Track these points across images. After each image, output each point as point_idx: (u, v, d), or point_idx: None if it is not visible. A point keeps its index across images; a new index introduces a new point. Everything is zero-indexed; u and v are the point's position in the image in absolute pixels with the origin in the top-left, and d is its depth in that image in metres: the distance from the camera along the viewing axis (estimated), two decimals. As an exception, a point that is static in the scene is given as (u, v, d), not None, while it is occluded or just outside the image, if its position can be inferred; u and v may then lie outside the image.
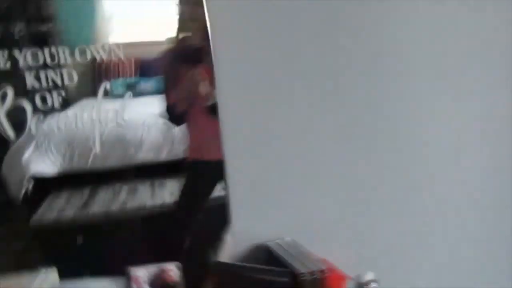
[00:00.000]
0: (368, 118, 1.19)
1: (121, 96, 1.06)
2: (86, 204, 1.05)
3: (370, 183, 1.22)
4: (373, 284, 0.97)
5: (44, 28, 0.99)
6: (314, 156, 1.16)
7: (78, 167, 1.05)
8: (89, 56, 1.00)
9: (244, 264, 1.03)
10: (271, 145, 1.14)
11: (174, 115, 1.06)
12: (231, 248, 1.08)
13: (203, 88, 1.04)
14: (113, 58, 1.03)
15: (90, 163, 1.04)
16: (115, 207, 1.05)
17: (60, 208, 1.04)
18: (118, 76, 1.06)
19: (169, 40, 1.05)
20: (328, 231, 1.18)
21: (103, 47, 1.01)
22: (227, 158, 1.08)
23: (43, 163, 1.01)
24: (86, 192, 1.06)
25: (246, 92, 1.09)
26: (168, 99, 1.06)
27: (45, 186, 1.03)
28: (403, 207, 1.25)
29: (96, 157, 1.04)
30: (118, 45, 1.03)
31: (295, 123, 1.14)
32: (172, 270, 1.00)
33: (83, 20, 1.02)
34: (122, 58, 1.02)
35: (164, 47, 1.06)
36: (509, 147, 1.33)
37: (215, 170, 1.09)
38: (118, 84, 1.06)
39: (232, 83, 1.05)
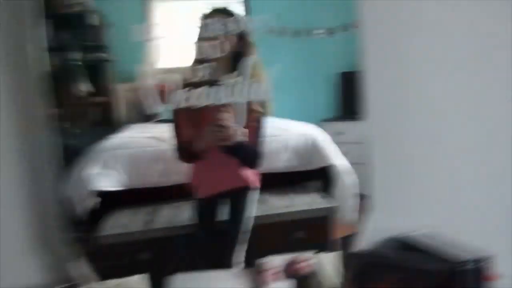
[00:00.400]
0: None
1: (169, 120, 1.05)
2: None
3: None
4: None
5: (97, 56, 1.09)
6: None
7: (142, 183, 1.08)
8: (139, 82, 1.00)
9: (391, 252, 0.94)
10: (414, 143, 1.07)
11: (187, 154, 1.02)
12: (369, 239, 0.98)
13: (232, 130, 0.95)
14: (161, 83, 0.98)
15: (153, 179, 1.08)
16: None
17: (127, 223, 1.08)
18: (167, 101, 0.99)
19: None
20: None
21: (152, 73, 1.02)
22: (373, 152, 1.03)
23: (108, 179, 1.04)
24: (149, 208, 1.10)
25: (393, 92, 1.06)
26: (181, 136, 1.02)
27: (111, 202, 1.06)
28: None
29: (160, 174, 1.08)
30: (165, 71, 1.05)
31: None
32: (307, 260, 0.92)
33: (134, 48, 1.01)
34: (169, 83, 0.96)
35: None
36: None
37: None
38: (166, 109, 1.04)
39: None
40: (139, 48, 1.01)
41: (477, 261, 0.83)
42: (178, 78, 0.94)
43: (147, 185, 1.08)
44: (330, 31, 1.14)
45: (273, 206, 1.13)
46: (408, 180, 1.06)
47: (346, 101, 1.19)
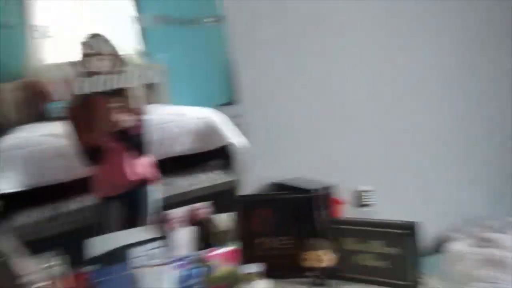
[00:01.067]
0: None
1: (59, 118, 1.09)
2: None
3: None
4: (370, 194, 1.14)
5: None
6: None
7: (44, 181, 1.09)
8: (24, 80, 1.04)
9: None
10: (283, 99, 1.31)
11: (90, 155, 1.10)
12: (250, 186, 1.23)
13: (115, 116, 1.09)
14: (48, 80, 1.06)
15: (55, 176, 1.10)
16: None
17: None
18: (55, 98, 1.08)
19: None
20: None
21: (39, 69, 1.06)
22: (245, 111, 1.23)
23: (6, 181, 1.05)
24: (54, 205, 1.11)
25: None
26: (81, 142, 1.09)
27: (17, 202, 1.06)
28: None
29: (61, 169, 1.10)
30: (52, 67, 1.07)
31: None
32: (202, 208, 1.15)
33: (17, 46, 1.04)
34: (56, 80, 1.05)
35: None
36: None
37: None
38: (55, 107, 1.10)
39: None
40: (22, 45, 1.05)
41: (325, 189, 1.12)
42: (69, 72, 1.04)
43: (49, 183, 1.10)
44: (219, 19, 1.19)
45: (178, 187, 1.21)
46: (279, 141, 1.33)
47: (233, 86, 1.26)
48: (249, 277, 1.03)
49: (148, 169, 1.17)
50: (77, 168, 1.11)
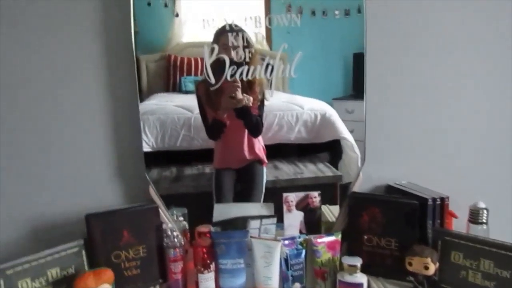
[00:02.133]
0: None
1: (190, 92, 1.22)
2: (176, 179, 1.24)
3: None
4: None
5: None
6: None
7: (167, 147, 1.22)
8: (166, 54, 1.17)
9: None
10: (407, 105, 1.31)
11: (215, 128, 1.21)
12: (362, 184, 1.28)
13: (239, 94, 1.18)
14: (184, 57, 1.19)
15: (178, 144, 1.22)
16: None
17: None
18: (189, 73, 1.21)
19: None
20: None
21: (177, 46, 1.18)
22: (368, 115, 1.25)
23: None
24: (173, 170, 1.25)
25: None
26: (208, 116, 1.20)
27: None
28: None
29: (184, 139, 1.22)
30: (188, 45, 1.19)
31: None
32: (316, 196, 1.24)
33: (161, 21, 1.17)
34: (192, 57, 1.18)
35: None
36: None
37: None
38: (187, 81, 1.23)
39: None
40: (166, 21, 1.17)
41: (441, 199, 1.14)
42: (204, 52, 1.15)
43: (175, 148, 1.22)
44: (347, 12, 1.20)
45: (285, 172, 1.27)
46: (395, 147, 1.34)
47: (357, 81, 1.25)
48: (349, 268, 1.10)
49: (260, 152, 1.26)
50: (200, 140, 1.23)
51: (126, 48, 1.16)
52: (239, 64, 1.16)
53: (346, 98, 1.27)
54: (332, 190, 1.29)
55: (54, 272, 1.01)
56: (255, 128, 1.23)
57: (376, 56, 1.26)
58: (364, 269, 1.10)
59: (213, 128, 1.22)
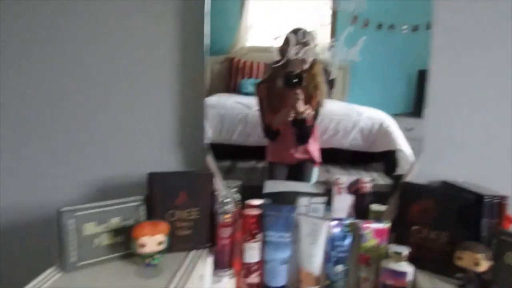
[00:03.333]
0: None
1: (249, 94, 1.27)
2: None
3: None
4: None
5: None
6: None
7: (224, 140, 1.28)
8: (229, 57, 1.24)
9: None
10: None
11: (270, 133, 1.27)
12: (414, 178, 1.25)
13: (301, 106, 1.22)
14: (247, 60, 1.25)
15: (233, 138, 1.28)
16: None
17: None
18: (249, 76, 1.26)
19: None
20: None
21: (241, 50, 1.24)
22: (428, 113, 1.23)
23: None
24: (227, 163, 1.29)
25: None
26: (266, 119, 1.26)
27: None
28: None
29: (240, 134, 1.28)
30: (251, 49, 1.25)
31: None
32: (367, 182, 1.24)
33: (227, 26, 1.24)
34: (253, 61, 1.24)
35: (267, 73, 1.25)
36: None
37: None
38: (247, 83, 1.27)
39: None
40: (231, 25, 1.25)
41: (501, 198, 1.09)
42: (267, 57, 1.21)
43: (227, 143, 1.29)
44: (414, 28, 1.20)
45: (334, 176, 1.25)
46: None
47: (419, 98, 1.23)
48: (395, 256, 1.09)
49: (315, 152, 1.28)
50: (256, 136, 1.28)
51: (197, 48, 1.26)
52: (303, 44, 1.19)
53: (405, 115, 1.26)
54: (384, 200, 1.26)
55: (115, 221, 1.10)
56: (304, 139, 1.27)
57: (440, 74, 1.23)
58: (411, 261, 1.09)
59: (268, 131, 1.27)
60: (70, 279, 1.00)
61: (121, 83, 1.34)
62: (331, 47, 1.21)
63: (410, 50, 1.23)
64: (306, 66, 1.21)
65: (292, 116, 1.23)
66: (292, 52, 1.20)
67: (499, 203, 1.08)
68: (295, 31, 1.20)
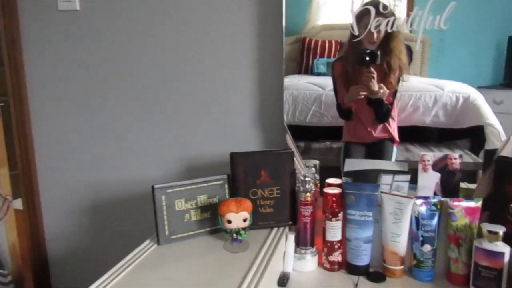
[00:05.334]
0: None
1: (321, 74, 1.25)
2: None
3: None
4: None
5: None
6: None
7: (297, 121, 1.28)
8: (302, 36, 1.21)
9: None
10: None
11: (341, 112, 1.24)
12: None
13: (374, 85, 1.18)
14: (319, 39, 1.21)
15: (307, 119, 1.28)
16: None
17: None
18: (322, 56, 1.23)
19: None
20: None
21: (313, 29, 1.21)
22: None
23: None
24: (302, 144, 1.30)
25: None
26: (339, 98, 1.23)
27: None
28: None
29: (314, 114, 1.27)
30: (323, 27, 1.23)
31: None
32: (456, 158, 1.17)
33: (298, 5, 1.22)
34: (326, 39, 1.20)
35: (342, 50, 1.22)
36: None
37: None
38: (320, 63, 1.24)
39: None
40: (302, 4, 1.23)
41: None
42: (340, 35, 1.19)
43: (302, 124, 1.28)
44: None
45: (416, 155, 1.20)
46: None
47: (510, 68, 1.14)
48: (490, 235, 1.02)
49: (394, 131, 1.24)
50: (330, 117, 1.27)
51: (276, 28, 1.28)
52: (384, 15, 1.15)
53: (495, 87, 1.16)
54: (472, 179, 1.19)
55: (202, 198, 1.17)
56: (384, 117, 1.23)
57: None
58: (508, 242, 1.02)
59: (340, 110, 1.25)
60: (165, 250, 1.08)
61: (206, 67, 1.40)
62: (413, 17, 1.15)
63: (499, 13, 1.12)
64: (380, 41, 1.17)
65: (363, 94, 1.20)
66: (373, 24, 1.16)
67: None
68: (375, 3, 1.16)
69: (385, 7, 1.15)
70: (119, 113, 1.50)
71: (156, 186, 1.10)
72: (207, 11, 1.36)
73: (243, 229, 1.09)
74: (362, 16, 1.17)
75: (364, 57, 1.18)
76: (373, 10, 1.15)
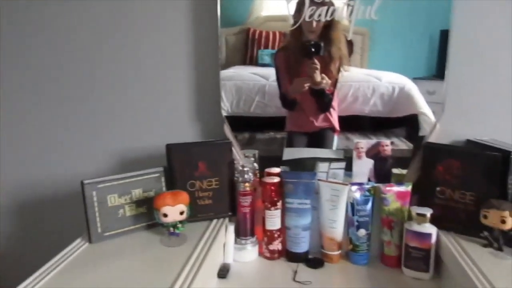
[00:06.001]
0: None
1: (266, 65, 1.24)
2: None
3: None
4: None
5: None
6: None
7: (241, 112, 1.27)
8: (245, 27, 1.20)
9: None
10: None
11: (286, 102, 1.24)
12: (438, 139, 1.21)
13: (318, 76, 1.19)
14: (263, 30, 1.21)
15: (251, 109, 1.26)
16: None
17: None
18: (266, 47, 1.22)
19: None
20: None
21: (256, 20, 1.20)
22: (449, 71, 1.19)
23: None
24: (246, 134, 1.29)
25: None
26: (282, 88, 1.23)
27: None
28: None
29: (258, 105, 1.26)
30: (267, 18, 1.21)
31: None
32: (388, 145, 1.22)
33: None
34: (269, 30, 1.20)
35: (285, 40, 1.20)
36: None
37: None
38: (264, 54, 1.23)
39: None
40: None
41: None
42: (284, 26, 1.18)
43: (245, 115, 1.27)
44: None
45: (354, 143, 1.23)
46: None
47: (441, 60, 1.19)
48: (418, 218, 1.07)
49: (335, 120, 1.26)
50: (274, 107, 1.26)
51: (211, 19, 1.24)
52: (318, 4, 1.15)
53: (428, 78, 1.21)
54: (407, 165, 1.24)
55: (137, 192, 1.12)
56: (325, 107, 1.25)
57: (462, 33, 1.18)
58: (435, 223, 1.07)
59: (285, 101, 1.25)
60: (97, 248, 1.03)
61: (139, 56, 1.34)
62: (348, 6, 1.16)
63: (432, 8, 1.17)
64: (320, 31, 1.18)
65: (308, 85, 1.21)
66: (307, 13, 1.16)
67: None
68: None
69: (318, -5, 1.16)
70: (47, 107, 1.40)
71: (85, 182, 1.04)
72: (142, 1, 1.30)
73: (181, 222, 1.06)
74: (299, 6, 1.17)
75: (310, 49, 1.18)
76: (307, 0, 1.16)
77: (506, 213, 0.97)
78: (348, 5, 1.16)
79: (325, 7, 1.16)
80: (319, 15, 1.17)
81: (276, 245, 1.18)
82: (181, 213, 1.04)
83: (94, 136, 1.40)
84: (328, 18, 1.17)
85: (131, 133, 1.38)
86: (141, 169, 1.14)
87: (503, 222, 0.98)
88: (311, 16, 1.16)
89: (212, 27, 1.26)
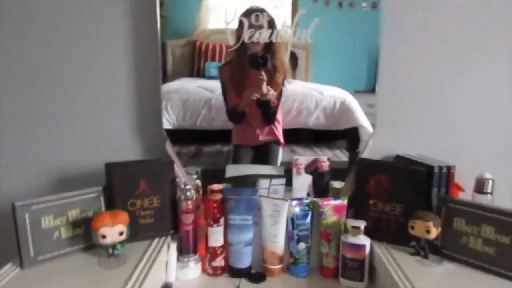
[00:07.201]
0: None
1: (213, 77, 1.26)
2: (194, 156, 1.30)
3: None
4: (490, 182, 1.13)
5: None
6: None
7: (188, 126, 1.27)
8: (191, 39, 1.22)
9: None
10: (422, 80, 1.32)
11: (236, 115, 1.27)
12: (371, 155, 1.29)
13: (264, 88, 1.23)
14: (210, 43, 1.23)
15: (198, 123, 1.27)
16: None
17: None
18: (213, 59, 1.25)
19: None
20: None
21: (202, 32, 1.22)
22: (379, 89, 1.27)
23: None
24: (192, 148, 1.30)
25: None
26: (229, 103, 1.26)
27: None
28: None
29: (204, 118, 1.28)
30: (214, 31, 1.23)
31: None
32: (325, 161, 1.27)
33: (187, 6, 1.22)
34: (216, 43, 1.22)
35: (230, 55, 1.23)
36: None
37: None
38: (211, 67, 1.27)
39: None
40: (192, 7, 1.22)
41: (448, 168, 1.16)
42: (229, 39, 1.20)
43: (192, 128, 1.28)
44: (374, 5, 1.22)
45: (299, 155, 1.27)
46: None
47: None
48: (353, 230, 1.13)
49: (280, 133, 1.31)
50: (220, 120, 1.28)
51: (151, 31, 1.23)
52: (257, 27, 1.20)
53: (368, 92, 1.29)
54: (345, 177, 1.30)
55: (74, 213, 1.09)
56: (270, 119, 1.29)
57: (392, 48, 1.27)
58: (369, 234, 1.14)
59: (234, 114, 1.27)
60: (29, 274, 0.98)
61: (74, 70, 1.30)
62: (291, 28, 1.21)
63: (370, 27, 1.25)
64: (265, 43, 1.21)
65: (255, 96, 1.24)
66: (246, 36, 1.20)
67: (447, 172, 1.15)
68: (249, 14, 1.20)
69: (258, 18, 1.20)
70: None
71: (17, 204, 0.99)
72: (80, 12, 1.27)
73: (120, 243, 1.04)
74: (238, 28, 1.21)
75: (258, 60, 1.22)
76: (246, 22, 1.19)
77: (430, 224, 1.05)
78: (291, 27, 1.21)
79: (263, 29, 1.20)
80: (258, 38, 1.20)
81: (219, 262, 1.19)
82: (121, 233, 1.03)
83: (27, 153, 1.34)
84: (267, 41, 1.21)
85: (67, 150, 1.33)
86: (78, 189, 1.11)
87: (428, 232, 1.06)
88: (250, 38, 1.20)
89: (151, 39, 1.25)
